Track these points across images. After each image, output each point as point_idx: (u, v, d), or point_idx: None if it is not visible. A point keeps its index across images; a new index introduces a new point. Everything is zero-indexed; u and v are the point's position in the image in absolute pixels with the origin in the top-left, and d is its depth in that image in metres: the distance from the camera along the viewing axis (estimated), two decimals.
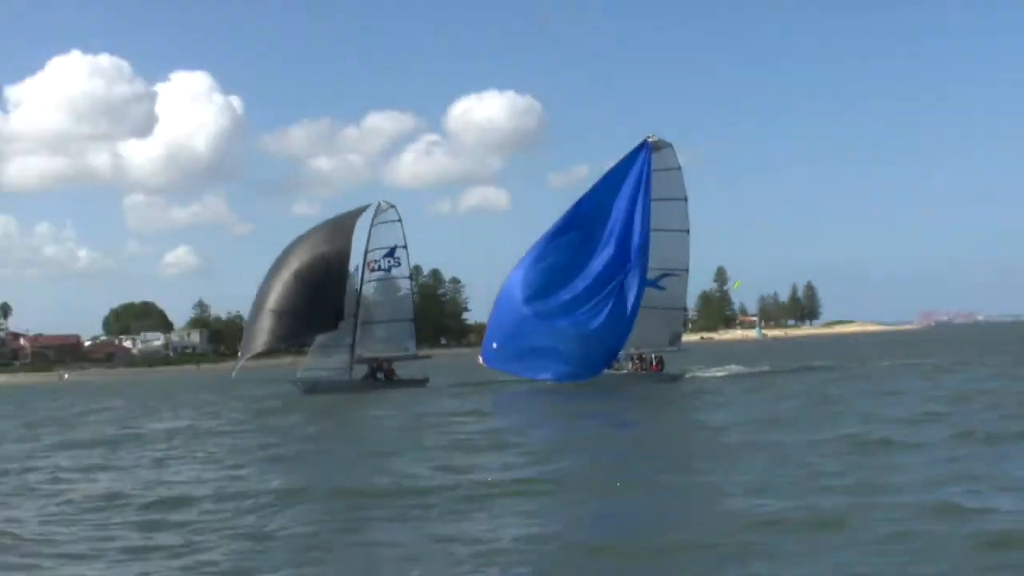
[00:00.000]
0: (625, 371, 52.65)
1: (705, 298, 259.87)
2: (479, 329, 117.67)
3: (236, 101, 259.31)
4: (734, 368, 56.59)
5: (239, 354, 60.51)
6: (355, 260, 56.27)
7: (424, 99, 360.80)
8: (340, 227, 56.37)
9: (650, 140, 52.91)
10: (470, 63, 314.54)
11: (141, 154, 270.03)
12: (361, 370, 55.84)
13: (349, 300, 55.52)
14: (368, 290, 56.33)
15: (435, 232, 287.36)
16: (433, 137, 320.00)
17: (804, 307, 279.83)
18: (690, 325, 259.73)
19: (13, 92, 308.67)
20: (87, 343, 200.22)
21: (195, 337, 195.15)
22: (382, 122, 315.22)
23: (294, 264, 54.90)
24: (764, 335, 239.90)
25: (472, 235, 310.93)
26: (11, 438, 38.09)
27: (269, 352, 61.44)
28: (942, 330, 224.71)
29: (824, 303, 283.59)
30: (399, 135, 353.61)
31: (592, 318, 50.19)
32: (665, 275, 53.31)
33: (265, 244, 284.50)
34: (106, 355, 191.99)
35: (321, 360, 56.02)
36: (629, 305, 50.46)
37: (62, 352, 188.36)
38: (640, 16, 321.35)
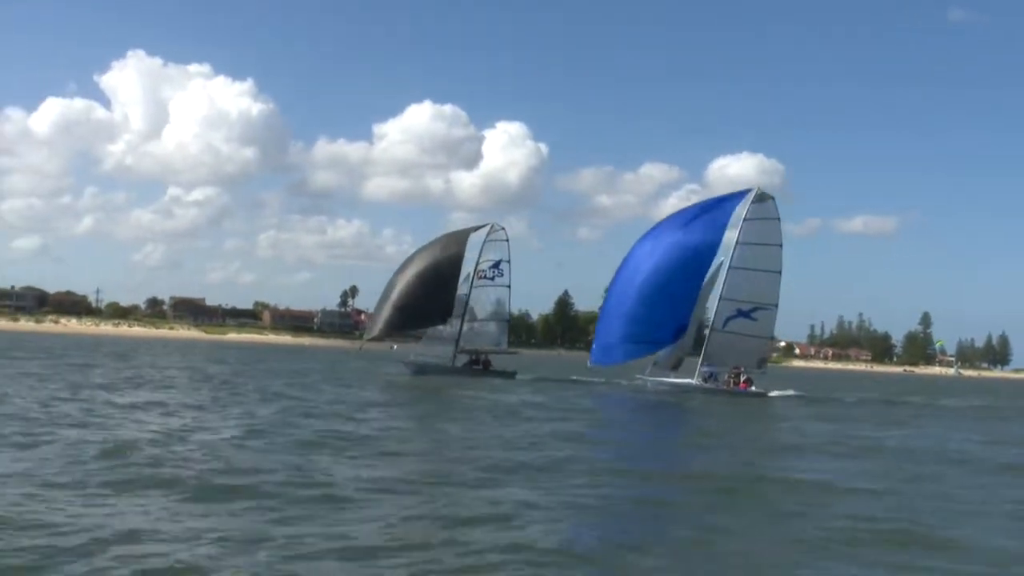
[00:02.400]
0: (717, 386, 46.28)
1: (910, 337, 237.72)
2: None
3: (543, 147, 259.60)
4: (791, 392, 49.22)
5: (363, 336, 58.34)
6: (467, 268, 52.38)
7: (689, 156, 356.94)
8: (456, 239, 52.75)
9: (756, 191, 48.69)
10: (729, 130, 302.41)
11: (466, 182, 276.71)
12: (461, 359, 52.03)
13: (458, 300, 52.02)
14: (475, 294, 52.52)
15: None
16: (693, 187, 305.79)
17: (997, 353, 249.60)
18: (896, 358, 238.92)
19: (379, 128, 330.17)
20: None
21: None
22: (654, 171, 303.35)
23: (416, 267, 51.56)
24: (960, 374, 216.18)
25: None
26: None
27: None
28: None
29: (1015, 351, 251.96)
30: (666, 183, 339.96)
31: (655, 322, 46.60)
32: (757, 308, 47.47)
33: (552, 258, 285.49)
34: (422, 332, 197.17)
35: (430, 348, 52.62)
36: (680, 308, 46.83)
37: None
38: (872, 104, 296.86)
